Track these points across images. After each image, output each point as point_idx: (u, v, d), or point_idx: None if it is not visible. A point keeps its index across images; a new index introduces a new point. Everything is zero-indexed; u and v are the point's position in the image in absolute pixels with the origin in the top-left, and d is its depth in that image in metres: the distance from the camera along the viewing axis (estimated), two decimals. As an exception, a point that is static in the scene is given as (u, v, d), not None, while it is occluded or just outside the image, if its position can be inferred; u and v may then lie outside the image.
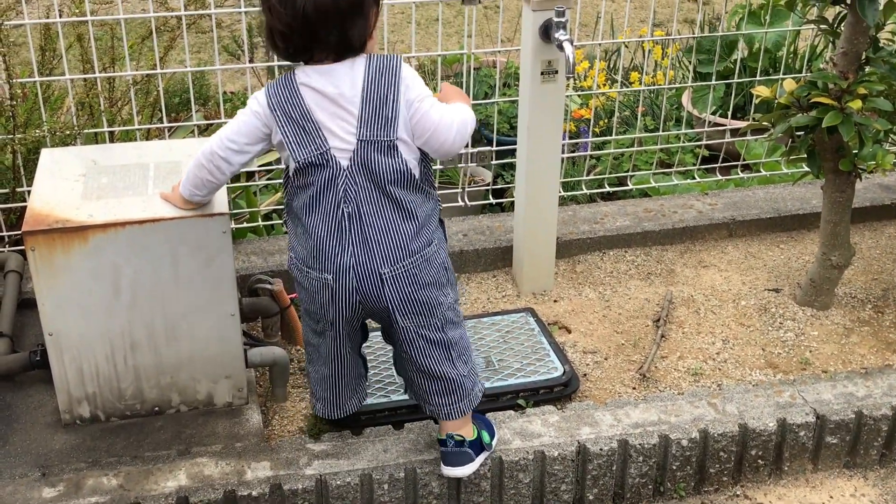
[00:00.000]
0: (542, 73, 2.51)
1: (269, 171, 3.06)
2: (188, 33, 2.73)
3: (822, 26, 2.50)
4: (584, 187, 3.29)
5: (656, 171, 3.38)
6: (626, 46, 4.47)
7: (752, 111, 3.41)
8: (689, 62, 3.90)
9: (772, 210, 3.10)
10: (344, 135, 1.88)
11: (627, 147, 3.43)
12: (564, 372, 2.41)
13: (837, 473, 2.32)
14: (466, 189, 3.19)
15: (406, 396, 2.30)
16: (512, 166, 3.26)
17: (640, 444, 2.17)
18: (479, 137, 3.56)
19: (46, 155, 2.32)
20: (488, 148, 3.09)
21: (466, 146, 3.08)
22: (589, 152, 3.34)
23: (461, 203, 3.15)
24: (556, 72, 2.51)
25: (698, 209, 3.11)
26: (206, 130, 2.96)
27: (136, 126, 2.72)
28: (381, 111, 1.88)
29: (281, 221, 3.00)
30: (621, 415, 2.25)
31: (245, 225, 2.94)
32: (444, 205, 2.12)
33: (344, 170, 1.89)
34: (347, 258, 1.92)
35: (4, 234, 2.77)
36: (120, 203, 2.11)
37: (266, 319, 2.54)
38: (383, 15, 2.88)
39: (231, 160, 1.99)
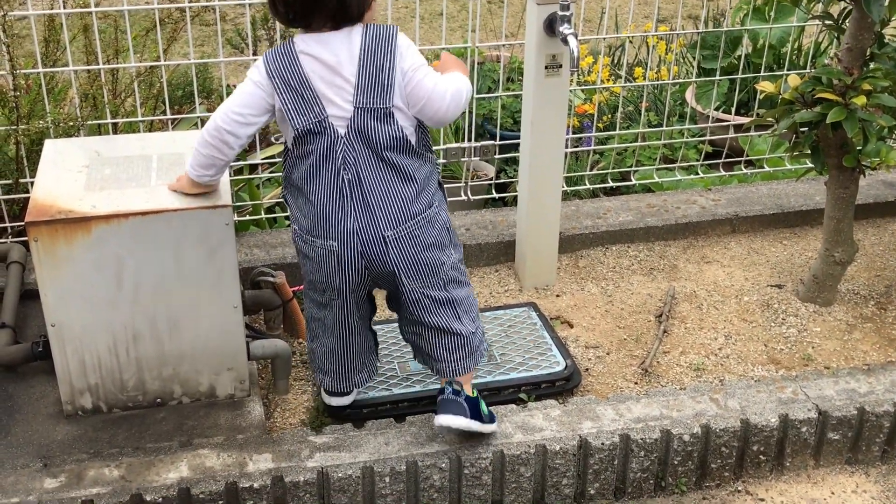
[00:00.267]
0: (546, 67, 2.51)
1: (271, 165, 3.06)
2: (192, 26, 2.73)
3: (826, 22, 2.49)
4: (586, 182, 3.28)
5: (659, 166, 3.38)
6: (631, 42, 4.47)
7: (756, 107, 3.41)
8: (693, 58, 3.89)
9: (775, 206, 3.10)
10: (341, 102, 1.92)
11: (631, 142, 3.43)
12: (566, 366, 2.41)
13: (839, 469, 2.31)
14: (469, 183, 3.19)
15: (408, 390, 2.31)
16: (515, 161, 3.26)
17: (641, 439, 2.17)
18: (482, 132, 3.56)
19: (50, 146, 2.32)
20: (491, 142, 3.09)
21: (470, 140, 3.08)
22: (592, 147, 3.34)
23: (464, 197, 3.15)
24: (561, 66, 2.50)
25: (701, 205, 3.10)
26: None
27: (140, 118, 2.71)
28: (377, 79, 1.91)
29: (284, 215, 3.00)
30: (623, 409, 2.25)
31: (248, 218, 2.94)
32: (447, 199, 2.16)
33: (342, 137, 1.93)
34: (351, 223, 1.96)
35: (7, 224, 2.77)
36: (123, 194, 2.11)
37: (268, 312, 2.54)
38: (387, 9, 2.88)
39: (238, 133, 1.99)
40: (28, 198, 2.19)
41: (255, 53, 3.46)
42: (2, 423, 2.19)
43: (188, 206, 2.07)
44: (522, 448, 2.13)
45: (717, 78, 3.26)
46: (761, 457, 2.26)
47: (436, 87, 1.96)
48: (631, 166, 3.37)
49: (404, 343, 2.46)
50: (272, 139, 3.61)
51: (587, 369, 2.48)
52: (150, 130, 2.83)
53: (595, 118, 3.37)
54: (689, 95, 3.83)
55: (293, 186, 2.03)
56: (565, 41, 2.39)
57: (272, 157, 3.24)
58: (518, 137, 2.76)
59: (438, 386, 2.31)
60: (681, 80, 3.65)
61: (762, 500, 2.23)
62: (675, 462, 2.22)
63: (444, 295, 2.08)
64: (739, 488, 2.26)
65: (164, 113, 2.78)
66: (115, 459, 2.08)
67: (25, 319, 2.50)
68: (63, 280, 2.07)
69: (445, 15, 3.18)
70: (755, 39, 3.79)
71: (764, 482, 2.28)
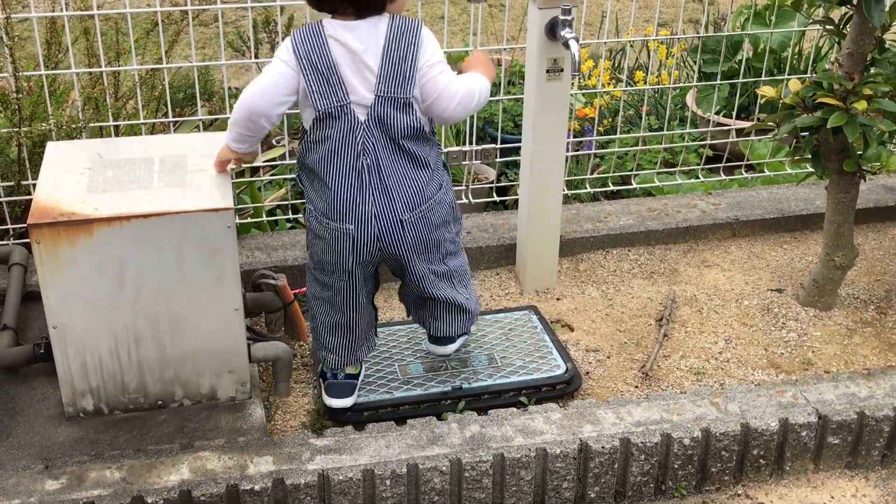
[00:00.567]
0: (547, 71, 2.51)
1: (273, 167, 3.06)
2: (193, 28, 2.74)
3: (827, 27, 2.50)
4: (587, 186, 3.29)
5: (660, 170, 3.38)
6: (632, 46, 4.47)
7: (757, 111, 3.41)
8: (694, 62, 3.90)
9: (775, 210, 3.10)
10: (363, 90, 2.00)
11: (631, 146, 3.43)
12: (567, 370, 2.41)
13: (839, 474, 2.32)
14: (470, 187, 3.20)
15: (408, 393, 2.31)
16: (516, 164, 3.26)
17: (641, 443, 2.17)
18: (483, 135, 3.56)
19: (52, 148, 2.32)
20: (492, 146, 3.10)
21: (471, 143, 3.08)
22: (593, 151, 3.34)
23: (465, 200, 3.15)
24: (562, 70, 2.51)
25: (702, 209, 3.11)
26: (210, 125, 2.96)
27: (142, 120, 2.72)
28: (399, 70, 1.99)
29: (285, 217, 3.01)
30: (623, 413, 2.26)
31: (249, 220, 2.94)
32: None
33: (361, 123, 2.01)
34: (370, 207, 2.04)
35: (9, 226, 2.77)
36: (125, 196, 2.11)
37: (270, 314, 2.54)
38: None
39: (268, 113, 2.06)
40: (30, 200, 2.19)
41: (256, 56, 3.47)
42: (3, 424, 2.19)
43: (190, 208, 2.08)
44: (523, 451, 2.13)
45: (718, 83, 3.26)
46: (761, 461, 2.27)
47: (447, 86, 2.03)
48: (632, 170, 3.37)
49: (405, 345, 2.48)
50: (273, 142, 3.62)
51: (588, 373, 2.48)
52: (151, 133, 2.83)
53: (596, 122, 3.38)
54: (690, 99, 3.84)
55: (308, 169, 2.09)
56: (566, 45, 2.40)
57: (273, 160, 3.24)
58: (519, 141, 2.77)
59: (439, 389, 2.33)
60: (681, 84, 3.65)
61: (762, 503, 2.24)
62: (676, 466, 2.22)
63: (442, 268, 2.21)
64: (739, 492, 2.26)
65: (165, 115, 2.78)
66: (117, 461, 2.08)
67: (27, 321, 2.50)
68: (65, 282, 2.07)
69: (447, 18, 3.18)
70: (756, 44, 3.80)
71: (764, 486, 2.28)
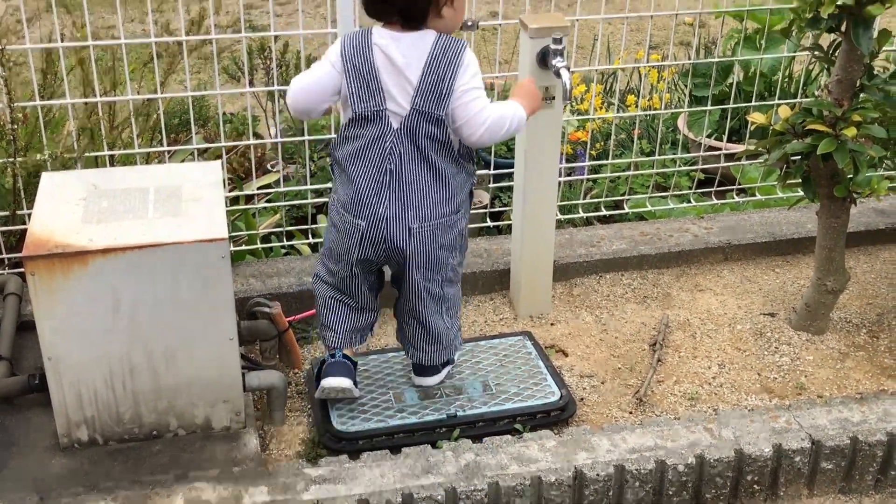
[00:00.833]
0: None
1: (267, 194, 3.08)
2: (189, 56, 2.76)
3: (816, 53, 2.52)
4: (580, 210, 3.30)
5: (652, 194, 3.40)
6: (623, 70, 4.50)
7: (748, 135, 3.44)
8: (685, 85, 3.93)
9: (767, 234, 3.12)
10: (400, 100, 2.10)
11: (623, 170, 3.45)
12: (561, 396, 2.42)
13: (833, 499, 2.32)
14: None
15: (403, 421, 2.31)
16: (509, 188, 3.28)
17: (636, 470, 2.18)
18: (476, 159, 3.58)
19: (47, 179, 2.33)
20: (485, 171, 3.11)
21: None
22: (586, 176, 3.36)
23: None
24: (553, 98, 2.53)
25: (694, 233, 3.13)
26: (204, 153, 2.97)
27: (136, 150, 2.73)
28: (436, 87, 2.08)
29: (279, 244, 3.02)
30: (618, 440, 2.26)
31: (244, 248, 2.95)
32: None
33: (394, 130, 2.11)
34: (382, 209, 2.14)
35: (4, 256, 2.78)
36: (120, 227, 2.12)
37: (264, 342, 2.55)
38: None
39: (311, 110, 2.19)
40: (25, 229, 2.20)
41: (251, 83, 3.49)
42: (-2, 456, 2.19)
43: (184, 239, 2.08)
44: (518, 479, 2.13)
45: (709, 108, 3.29)
46: (755, 486, 2.27)
47: (478, 113, 2.11)
48: (624, 194, 3.39)
49: (399, 373, 2.49)
50: (268, 167, 3.63)
51: (582, 399, 2.49)
52: (147, 161, 2.85)
53: (588, 146, 3.40)
54: (682, 122, 3.86)
55: (337, 162, 2.21)
56: (558, 74, 2.42)
57: (268, 185, 3.26)
58: (512, 165, 2.78)
59: (434, 417, 2.33)
60: (672, 110, 3.68)
61: (757, 529, 2.24)
62: (670, 492, 2.22)
63: (438, 290, 2.28)
64: (734, 518, 2.27)
65: (160, 144, 2.79)
66: (111, 493, 2.08)
67: (22, 351, 2.50)
68: (60, 313, 2.08)
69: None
70: (746, 67, 3.83)
71: (758, 512, 2.29)
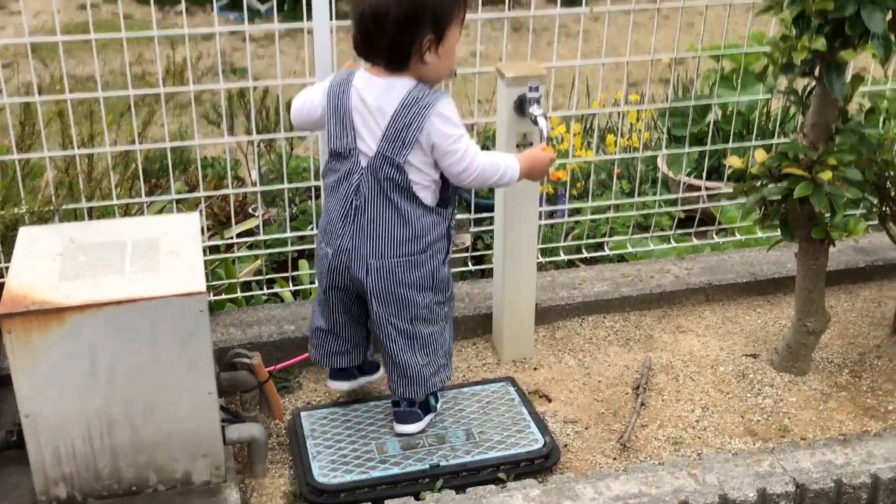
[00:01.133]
0: (517, 146, 2.54)
1: (246, 242, 3.07)
2: (168, 104, 2.76)
3: (791, 97, 2.54)
4: (561, 253, 3.30)
5: (633, 234, 3.41)
6: (603, 107, 4.53)
7: (727, 175, 3.46)
8: (664, 124, 3.96)
9: (748, 274, 3.13)
10: (369, 141, 2.18)
11: (604, 212, 3.46)
12: (545, 443, 2.40)
13: (818, 543, 2.31)
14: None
15: (385, 472, 2.30)
16: (493, 230, 3.28)
17: (620, 518, 2.16)
18: (458, 200, 3.58)
19: (24, 233, 2.32)
20: (465, 216, 3.12)
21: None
22: (566, 219, 3.37)
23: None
24: (531, 144, 2.54)
25: (675, 273, 3.13)
26: (182, 202, 2.96)
27: (115, 202, 2.72)
28: (401, 134, 2.16)
29: (260, 292, 3.01)
30: (602, 487, 2.25)
31: (224, 297, 2.93)
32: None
33: (362, 168, 2.20)
34: (346, 242, 2.24)
35: (-19, 309, 2.74)
36: (97, 283, 2.11)
37: (245, 393, 2.53)
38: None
39: (304, 128, 2.40)
40: (1, 284, 2.18)
41: (231, 129, 3.49)
42: (-26, 516, 2.16)
43: (162, 293, 2.07)
44: (501, 531, 2.11)
45: (686, 150, 3.30)
46: (741, 532, 2.26)
47: (468, 166, 2.19)
48: (605, 234, 3.40)
49: (381, 422, 2.47)
50: (249, 210, 3.62)
51: (566, 445, 2.47)
52: (126, 212, 2.84)
53: (568, 186, 3.41)
54: (661, 161, 3.88)
55: (324, 189, 2.34)
56: (535, 122, 2.43)
57: (250, 230, 3.25)
58: (493, 206, 2.78)
59: (417, 467, 2.32)
60: (650, 153, 3.70)
61: (743, 576, 2.22)
62: (655, 540, 2.21)
63: (406, 327, 2.31)
64: (720, 565, 2.25)
65: (140, 193, 2.78)
66: (90, 552, 2.05)
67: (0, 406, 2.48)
68: (37, 370, 2.06)
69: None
70: (724, 106, 3.86)
71: (744, 558, 2.27)
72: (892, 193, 2.71)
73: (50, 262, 2.20)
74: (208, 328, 2.12)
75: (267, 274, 3.06)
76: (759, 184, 2.51)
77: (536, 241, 2.76)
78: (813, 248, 2.58)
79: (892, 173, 2.66)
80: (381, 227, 2.22)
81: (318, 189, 2.76)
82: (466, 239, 3.49)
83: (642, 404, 2.61)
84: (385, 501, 2.20)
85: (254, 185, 3.47)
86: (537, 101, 2.43)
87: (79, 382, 2.09)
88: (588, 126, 4.51)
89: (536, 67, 2.50)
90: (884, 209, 2.76)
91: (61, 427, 2.12)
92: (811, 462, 2.33)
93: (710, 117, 3.71)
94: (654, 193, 3.46)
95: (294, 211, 3.58)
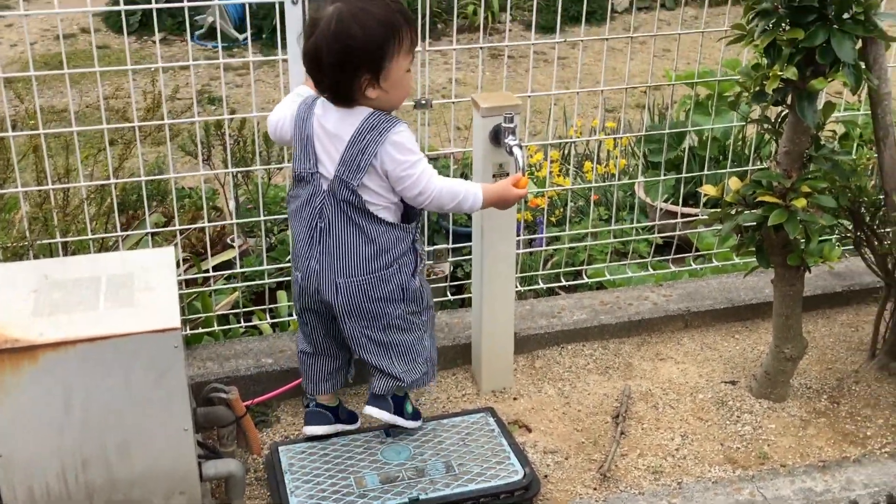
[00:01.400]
0: (494, 176, 2.54)
1: (223, 274, 3.05)
2: (146, 138, 2.75)
3: (764, 125, 2.56)
4: (540, 281, 3.31)
5: (612, 260, 3.42)
6: (580, 135, 4.55)
7: (703, 202, 3.48)
8: (641, 150, 3.98)
9: (725, 300, 3.14)
10: (328, 166, 2.25)
11: (582, 239, 3.47)
12: (525, 475, 2.39)
13: (800, 571, 2.31)
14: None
15: (364, 507, 2.28)
16: (471, 258, 3.27)
17: (601, 550, 2.15)
18: (437, 227, 3.59)
19: (-3, 270, 2.30)
20: (444, 246, 3.12)
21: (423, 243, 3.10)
22: (544, 247, 3.37)
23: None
24: (507, 174, 2.54)
25: (653, 301, 3.14)
26: (157, 235, 2.95)
27: (90, 236, 2.70)
28: (356, 160, 2.22)
29: (238, 326, 2.99)
30: (582, 518, 2.24)
31: (201, 330, 2.91)
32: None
33: (323, 191, 2.26)
34: (314, 263, 2.30)
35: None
36: (71, 319, 2.09)
37: (222, 428, 2.51)
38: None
39: (279, 143, 2.51)
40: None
41: (207, 160, 3.48)
42: (-55, 558, 2.13)
43: (136, 329, 2.05)
44: (481, 565, 2.10)
45: (662, 178, 3.32)
46: (722, 562, 2.26)
47: (422, 190, 2.24)
48: (583, 262, 3.40)
49: (359, 455, 2.45)
50: (228, 241, 3.61)
51: (546, 476, 2.46)
52: (101, 247, 2.82)
53: (546, 212, 3.42)
54: (638, 187, 3.90)
55: (289, 216, 2.39)
56: (511, 152, 2.44)
57: (228, 261, 3.23)
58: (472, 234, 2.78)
59: (396, 501, 2.30)
60: (626, 181, 3.72)
61: None
62: (636, 572, 2.20)
63: (383, 338, 2.37)
64: None
65: (115, 227, 2.77)
66: None
67: (-28, 445, 2.44)
68: (9, 409, 2.03)
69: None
70: (700, 132, 3.89)
71: (726, 588, 2.26)
72: (867, 219, 2.73)
73: (24, 298, 2.17)
74: (183, 364, 2.10)
75: (245, 306, 3.04)
76: (734, 211, 2.52)
77: (515, 269, 2.76)
78: (789, 274, 2.59)
79: (865, 199, 2.68)
80: (346, 247, 2.28)
81: (295, 220, 2.75)
82: (445, 268, 3.49)
83: (622, 433, 2.61)
84: (364, 537, 2.18)
85: (231, 215, 3.45)
86: (513, 131, 2.44)
87: (52, 421, 2.06)
88: (566, 153, 4.53)
89: (511, 98, 2.52)
90: (858, 234, 2.78)
91: (35, 466, 2.09)
92: (791, 490, 2.34)
93: (686, 143, 3.74)
94: (632, 220, 3.47)
95: (272, 241, 3.57)
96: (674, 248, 3.41)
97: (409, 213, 2.33)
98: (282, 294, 3.16)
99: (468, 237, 3.04)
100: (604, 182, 3.90)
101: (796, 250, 2.51)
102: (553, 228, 3.64)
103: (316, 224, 2.28)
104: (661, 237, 3.46)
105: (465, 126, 4.98)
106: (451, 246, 3.15)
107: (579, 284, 3.34)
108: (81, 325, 2.07)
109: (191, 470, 2.18)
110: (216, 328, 2.93)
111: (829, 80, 2.31)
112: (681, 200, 3.46)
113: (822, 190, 2.44)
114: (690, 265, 3.39)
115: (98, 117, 2.66)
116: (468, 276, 3.42)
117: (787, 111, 2.46)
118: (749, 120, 2.63)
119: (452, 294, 3.24)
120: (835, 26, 2.24)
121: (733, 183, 2.52)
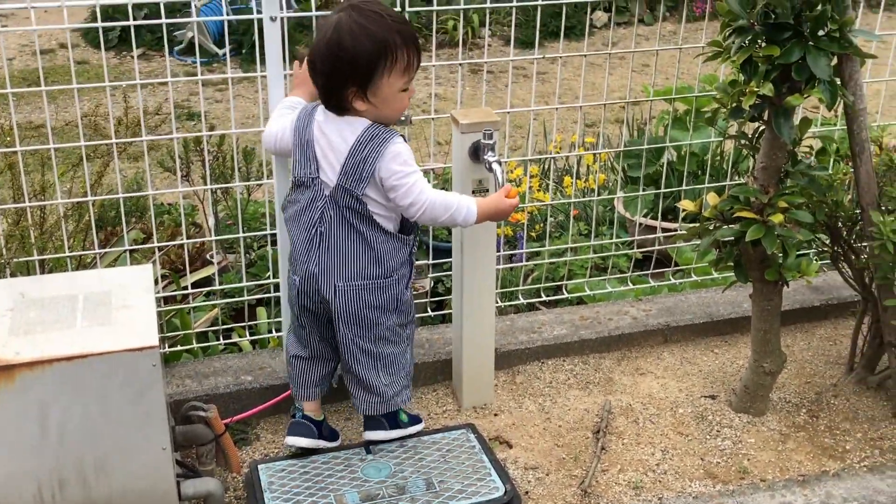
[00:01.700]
0: (473, 192, 2.55)
1: (202, 291, 3.03)
2: (124, 153, 2.74)
3: (742, 141, 2.58)
4: (520, 296, 3.31)
5: (592, 275, 3.42)
6: (559, 150, 4.57)
7: (682, 217, 3.49)
8: (620, 165, 4.00)
9: (705, 315, 3.15)
10: (329, 173, 2.29)
11: (562, 254, 3.48)
12: (506, 491, 2.38)
13: (780, 586, 2.31)
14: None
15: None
16: (451, 274, 3.27)
17: (582, 567, 2.15)
18: (418, 243, 3.58)
19: (-27, 289, 2.28)
20: (424, 261, 3.11)
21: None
22: (524, 262, 3.38)
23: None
24: (487, 190, 2.55)
25: (633, 315, 3.15)
26: (135, 251, 2.93)
27: (67, 254, 2.69)
28: (357, 170, 2.26)
29: (217, 343, 2.98)
30: (563, 535, 2.23)
31: (179, 347, 2.89)
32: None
33: (325, 196, 2.30)
34: (313, 266, 2.33)
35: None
36: (47, 338, 2.07)
37: (201, 447, 2.49)
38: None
39: (275, 154, 2.50)
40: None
41: (186, 176, 3.47)
42: (-81, 581, 2.10)
43: (114, 348, 2.04)
44: (462, 583, 2.09)
45: (641, 193, 3.34)
46: (703, 577, 2.26)
47: (414, 200, 2.27)
48: (563, 277, 3.41)
49: (340, 473, 2.44)
50: (207, 256, 3.59)
51: (527, 492, 2.46)
52: (79, 264, 2.80)
53: (526, 228, 3.42)
54: (618, 202, 3.92)
55: (285, 222, 2.42)
56: (490, 168, 2.44)
57: (207, 277, 3.21)
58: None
59: (376, 519, 2.29)
60: (606, 196, 3.74)
61: None
62: (618, 588, 2.20)
63: (370, 347, 2.40)
64: None
65: (93, 244, 2.75)
66: None
67: (-53, 466, 2.41)
68: (-15, 429, 2.01)
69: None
70: (678, 147, 3.91)
71: None
72: (844, 233, 2.75)
73: (0, 317, 2.16)
74: (162, 383, 2.09)
75: (224, 323, 3.03)
76: (712, 226, 2.53)
77: (495, 284, 2.76)
78: (767, 289, 2.60)
79: (842, 214, 2.70)
80: (346, 252, 2.32)
81: (274, 236, 2.75)
82: (426, 283, 3.49)
83: (602, 448, 2.61)
84: (344, 555, 2.17)
85: (210, 231, 3.44)
86: (492, 147, 2.44)
87: (29, 440, 2.04)
88: (545, 168, 4.55)
89: (490, 114, 2.52)
90: (836, 249, 2.80)
91: (11, 486, 2.07)
92: (771, 504, 2.34)
93: (665, 158, 3.76)
94: (612, 235, 3.48)
95: (252, 257, 3.56)
96: (653, 262, 3.42)
97: (407, 224, 2.37)
98: (261, 311, 3.15)
99: (448, 252, 3.03)
100: (583, 197, 3.91)
101: (774, 265, 2.52)
102: (533, 243, 3.65)
103: (316, 228, 2.31)
104: (641, 252, 3.47)
105: (446, 141, 4.99)
106: (431, 261, 3.15)
107: (559, 299, 3.35)
108: (58, 344, 2.05)
109: (169, 489, 2.17)
110: (195, 345, 2.91)
111: (805, 96, 2.33)
112: (660, 215, 3.48)
113: (799, 205, 2.46)
114: (670, 280, 3.40)
115: (76, 133, 2.64)
116: (449, 291, 3.42)
117: (763, 127, 2.48)
118: (726, 135, 2.64)
119: (433, 310, 3.23)
120: (810, 43, 2.26)
121: (711, 198, 2.53)
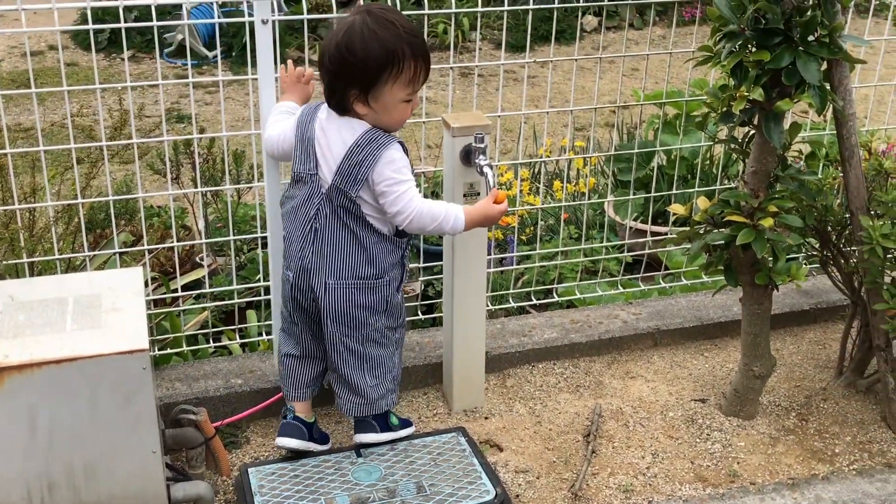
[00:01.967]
0: (464, 195, 2.55)
1: (192, 294, 3.03)
2: (114, 156, 2.73)
3: (732, 145, 2.59)
4: (511, 300, 3.31)
5: (582, 279, 3.43)
6: (549, 154, 4.58)
7: (672, 221, 3.50)
8: (610, 169, 4.01)
9: (694, 318, 3.16)
10: (326, 171, 2.32)
11: (552, 258, 3.48)
12: (496, 495, 2.38)
13: (770, 589, 2.32)
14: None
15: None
16: (441, 277, 3.27)
17: (573, 570, 2.15)
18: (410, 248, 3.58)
19: (-39, 291, 2.27)
20: (415, 265, 3.11)
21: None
22: (515, 266, 3.38)
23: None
24: (478, 193, 2.55)
25: (623, 319, 3.15)
26: (125, 254, 2.92)
27: (56, 256, 2.67)
28: (354, 171, 2.28)
29: (206, 346, 2.97)
30: (554, 538, 2.23)
31: (169, 351, 2.88)
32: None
33: (322, 193, 2.32)
34: (306, 262, 2.36)
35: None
36: (37, 341, 2.06)
37: (191, 450, 2.48)
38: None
39: (276, 156, 2.51)
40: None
41: (176, 179, 3.46)
42: None
43: (103, 351, 2.03)
44: (453, 586, 2.09)
45: (631, 197, 3.34)
46: (693, 580, 2.26)
47: (402, 208, 2.28)
48: (553, 280, 3.41)
49: (330, 477, 2.44)
50: (197, 259, 3.58)
51: (517, 496, 2.46)
52: (68, 267, 2.79)
53: (516, 231, 3.43)
54: (608, 206, 3.92)
55: (282, 217, 2.44)
56: (481, 172, 2.45)
57: (197, 280, 3.20)
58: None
59: (367, 523, 2.28)
60: (596, 200, 3.75)
61: None
62: (608, 591, 2.20)
63: (357, 347, 2.42)
64: None
65: (83, 247, 2.74)
66: None
67: (-66, 469, 2.39)
68: (-27, 433, 2.00)
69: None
70: (668, 151, 3.92)
71: None
72: (833, 238, 2.76)
73: (-12, 320, 2.15)
74: (152, 386, 2.08)
75: (214, 326, 3.02)
76: (702, 230, 2.54)
77: (486, 288, 2.76)
78: (757, 293, 2.61)
79: (832, 218, 2.71)
80: (339, 250, 2.34)
81: (265, 239, 2.74)
82: (416, 286, 3.48)
83: (593, 452, 2.61)
84: (335, 559, 2.17)
85: (200, 234, 3.44)
86: (483, 150, 2.45)
87: (18, 444, 2.03)
88: (536, 172, 4.55)
89: (481, 117, 2.53)
90: (825, 253, 2.81)
91: (0, 490, 2.06)
92: (761, 507, 2.35)
93: (655, 162, 3.77)
94: (602, 238, 3.49)
95: (242, 260, 3.55)
96: (643, 266, 3.43)
97: (399, 228, 2.38)
98: (251, 314, 3.14)
99: (439, 256, 3.03)
100: (574, 201, 3.92)
101: (764, 269, 2.53)
102: (524, 247, 3.66)
103: (311, 225, 2.34)
104: (631, 255, 3.47)
105: (436, 144, 4.99)
106: (422, 265, 3.15)
107: (550, 303, 3.35)
108: (47, 347, 2.04)
109: (159, 492, 2.16)
110: (185, 348, 2.90)
111: (795, 101, 2.34)
112: (650, 219, 3.49)
113: (789, 209, 2.47)
114: (660, 283, 3.41)
115: (66, 135, 2.63)
116: (439, 294, 3.42)
117: (753, 131, 2.48)
118: (717, 140, 2.65)
119: (423, 313, 3.23)
120: (800, 48, 2.27)
121: (701, 202, 2.54)
